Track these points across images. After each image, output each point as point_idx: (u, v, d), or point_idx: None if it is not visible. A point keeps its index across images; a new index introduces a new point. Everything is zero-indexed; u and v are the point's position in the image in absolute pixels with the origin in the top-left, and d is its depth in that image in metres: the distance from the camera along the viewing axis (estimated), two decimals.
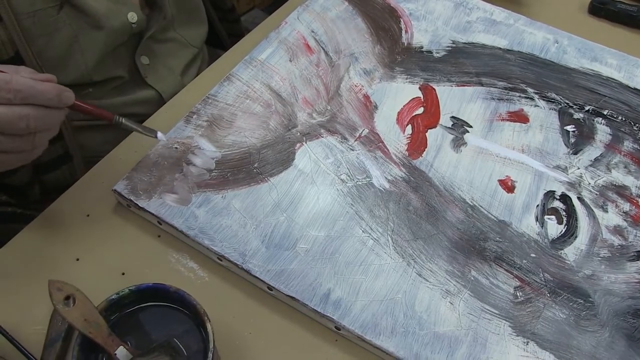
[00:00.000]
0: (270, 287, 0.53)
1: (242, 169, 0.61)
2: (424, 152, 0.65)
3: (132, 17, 0.66)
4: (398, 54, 0.75)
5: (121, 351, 0.43)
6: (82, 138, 0.69)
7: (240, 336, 0.52)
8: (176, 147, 0.62)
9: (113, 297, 0.45)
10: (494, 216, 0.60)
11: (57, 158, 0.65)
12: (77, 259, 0.56)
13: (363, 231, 0.57)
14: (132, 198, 0.57)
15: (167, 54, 0.76)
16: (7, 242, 0.57)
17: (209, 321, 0.44)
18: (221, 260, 0.56)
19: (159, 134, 0.57)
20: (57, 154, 0.65)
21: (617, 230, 0.60)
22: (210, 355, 0.42)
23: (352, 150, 0.64)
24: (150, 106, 0.73)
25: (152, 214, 0.57)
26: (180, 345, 0.45)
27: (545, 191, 0.62)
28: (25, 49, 0.58)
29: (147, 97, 0.74)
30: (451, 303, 0.53)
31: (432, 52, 0.76)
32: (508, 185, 0.63)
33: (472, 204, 0.61)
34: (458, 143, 0.66)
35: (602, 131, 0.69)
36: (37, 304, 0.51)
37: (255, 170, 0.61)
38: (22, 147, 0.46)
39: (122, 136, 0.66)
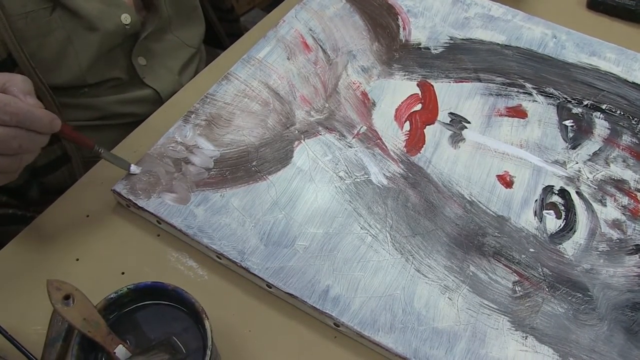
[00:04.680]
0: (269, 285, 0.54)
1: (241, 168, 0.61)
2: (422, 149, 0.65)
3: (126, 18, 0.66)
4: (396, 51, 0.75)
5: (120, 350, 0.43)
6: None
7: (239, 334, 0.52)
8: (174, 147, 0.62)
9: (112, 296, 0.45)
10: (493, 211, 0.60)
11: (55, 159, 0.65)
12: (77, 259, 0.56)
13: (361, 228, 0.58)
14: (131, 198, 0.58)
15: (165, 54, 0.76)
16: (7, 243, 0.57)
17: (207, 319, 0.44)
18: (220, 259, 0.56)
19: (132, 167, 0.59)
20: (55, 156, 0.65)
21: (615, 224, 0.60)
22: (208, 352, 0.42)
23: (350, 147, 0.64)
24: (148, 105, 0.73)
25: (152, 214, 0.57)
26: (180, 343, 0.46)
27: (544, 186, 0.62)
28: (18, 51, 0.58)
29: (144, 96, 0.74)
30: (450, 298, 0.53)
31: (430, 49, 0.76)
32: (506, 181, 0.63)
33: (470, 199, 0.61)
34: (456, 139, 0.66)
35: (601, 125, 0.69)
36: (38, 304, 0.51)
37: (253, 169, 0.61)
38: (9, 167, 0.48)
39: (121, 137, 0.66)
